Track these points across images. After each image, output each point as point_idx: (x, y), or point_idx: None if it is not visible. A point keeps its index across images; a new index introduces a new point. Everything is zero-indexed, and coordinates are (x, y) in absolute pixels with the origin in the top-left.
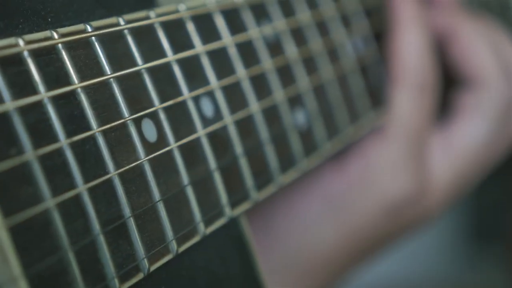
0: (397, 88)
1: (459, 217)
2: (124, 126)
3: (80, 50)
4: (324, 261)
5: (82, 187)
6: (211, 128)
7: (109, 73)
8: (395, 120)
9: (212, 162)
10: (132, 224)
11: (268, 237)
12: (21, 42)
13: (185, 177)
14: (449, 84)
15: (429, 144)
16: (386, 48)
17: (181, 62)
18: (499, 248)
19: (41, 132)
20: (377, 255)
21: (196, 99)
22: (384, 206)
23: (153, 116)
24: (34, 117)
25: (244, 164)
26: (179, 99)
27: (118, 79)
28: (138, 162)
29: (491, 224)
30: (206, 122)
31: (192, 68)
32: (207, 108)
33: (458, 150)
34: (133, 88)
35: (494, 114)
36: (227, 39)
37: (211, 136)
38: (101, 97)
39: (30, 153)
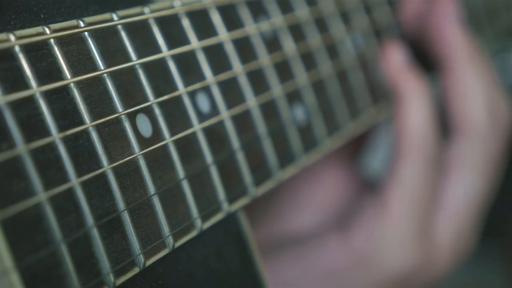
0: (403, 162)
1: None
2: (118, 121)
3: (73, 46)
4: None
5: (75, 181)
6: (207, 122)
7: (102, 68)
8: (401, 195)
9: (208, 157)
10: (126, 218)
11: None
12: (12, 37)
13: (181, 172)
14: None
15: (434, 213)
16: (391, 120)
17: (177, 58)
18: (498, 248)
19: (33, 126)
20: None
21: (192, 94)
22: (389, 281)
23: (148, 111)
24: (26, 112)
25: (241, 159)
26: (174, 94)
27: (112, 75)
28: (132, 156)
29: (490, 224)
30: (202, 117)
31: (187, 64)
32: (203, 103)
33: (453, 208)
34: (127, 84)
35: (481, 167)
36: (223, 35)
37: (208, 131)
38: (94, 92)
39: (21, 147)
